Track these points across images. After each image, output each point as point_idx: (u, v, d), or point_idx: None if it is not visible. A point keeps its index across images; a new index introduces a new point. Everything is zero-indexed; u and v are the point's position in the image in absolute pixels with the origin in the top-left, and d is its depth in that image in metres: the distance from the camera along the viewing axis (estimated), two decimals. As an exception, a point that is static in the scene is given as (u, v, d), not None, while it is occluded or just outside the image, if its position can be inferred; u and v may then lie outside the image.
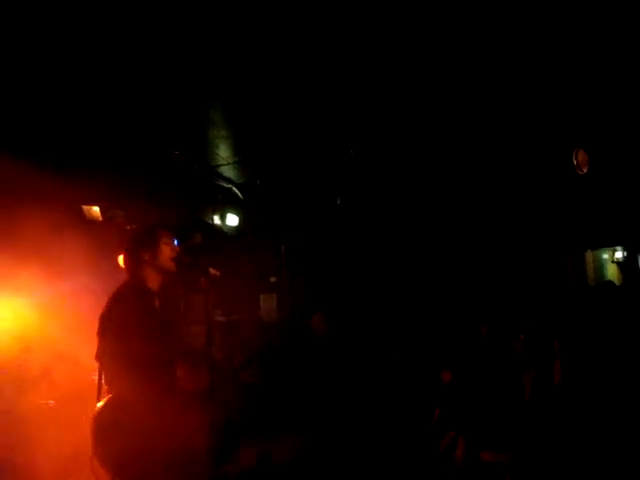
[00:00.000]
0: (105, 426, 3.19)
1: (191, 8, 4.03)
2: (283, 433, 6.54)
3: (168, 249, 3.61)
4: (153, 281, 3.51)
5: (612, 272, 10.51)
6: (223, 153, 7.09)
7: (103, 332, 3.32)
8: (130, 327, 3.22)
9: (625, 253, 10.17)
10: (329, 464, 5.94)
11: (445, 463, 5.35)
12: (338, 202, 8.31)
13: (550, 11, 4.34)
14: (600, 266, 10.68)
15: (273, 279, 9.34)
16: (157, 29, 4.26)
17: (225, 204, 8.33)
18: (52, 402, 5.31)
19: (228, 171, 7.79)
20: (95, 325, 3.38)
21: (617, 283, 9.37)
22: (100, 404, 3.27)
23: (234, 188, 8.28)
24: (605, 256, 10.67)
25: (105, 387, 3.32)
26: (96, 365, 3.38)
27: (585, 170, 6.70)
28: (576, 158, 6.69)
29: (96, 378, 3.40)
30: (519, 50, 4.98)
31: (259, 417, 6.46)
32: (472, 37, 4.71)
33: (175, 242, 3.71)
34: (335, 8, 4.16)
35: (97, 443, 3.19)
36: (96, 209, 6.25)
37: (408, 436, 6.07)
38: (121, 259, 3.63)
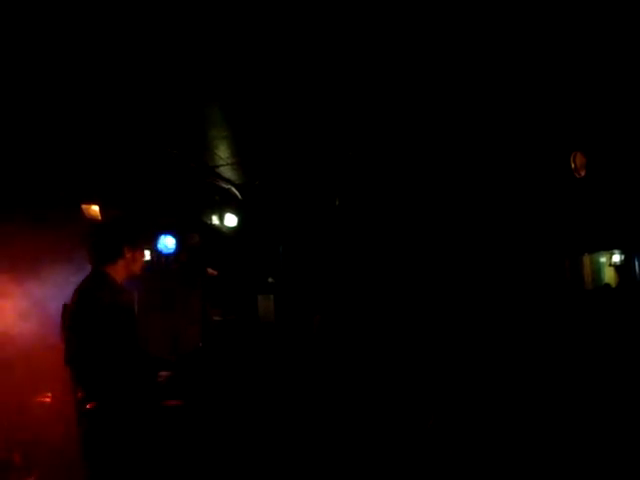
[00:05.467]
0: (97, 432, 3.07)
1: (192, 8, 4.04)
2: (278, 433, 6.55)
3: (143, 256, 3.54)
4: (122, 277, 3.38)
5: (609, 275, 10.54)
6: (222, 153, 7.09)
7: (74, 329, 3.17)
8: (108, 323, 3.08)
9: (622, 257, 10.20)
10: (325, 463, 5.94)
11: (440, 462, 5.36)
12: (336, 203, 8.31)
13: (547, 14, 4.35)
14: (597, 269, 10.72)
15: (271, 280, 9.35)
16: (158, 29, 4.27)
17: (223, 204, 8.33)
18: (48, 399, 5.33)
19: (227, 171, 7.79)
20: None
21: (614, 286, 9.41)
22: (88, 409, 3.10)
23: (233, 188, 8.29)
24: (602, 259, 10.71)
25: (80, 389, 3.15)
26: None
27: (583, 173, 6.71)
28: (574, 161, 6.70)
29: None
30: (517, 53, 4.99)
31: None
32: (470, 40, 4.72)
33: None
34: (335, 10, 4.18)
35: (88, 447, 3.12)
36: (95, 208, 6.26)
37: (404, 437, 6.08)
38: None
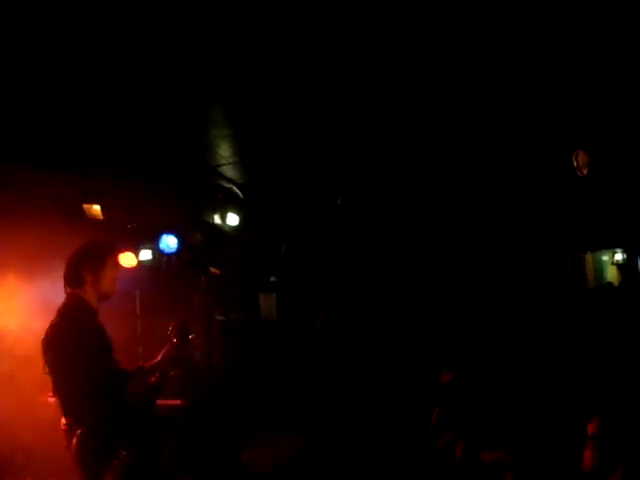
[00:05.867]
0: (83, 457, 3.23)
1: (194, 8, 4.04)
2: (280, 433, 6.55)
3: (113, 273, 3.58)
4: (93, 300, 3.47)
5: (612, 274, 10.53)
6: (224, 152, 7.09)
7: (48, 353, 3.29)
8: (78, 350, 3.18)
9: (625, 255, 10.19)
10: (327, 464, 5.95)
11: (443, 463, 5.37)
12: (338, 202, 8.31)
13: (549, 12, 4.35)
14: (600, 268, 10.72)
15: (273, 278, 9.35)
16: (159, 29, 4.26)
17: (225, 203, 8.34)
18: (51, 399, 5.32)
19: (229, 170, 7.80)
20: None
21: (616, 285, 9.40)
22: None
23: (234, 187, 8.29)
24: (605, 258, 10.70)
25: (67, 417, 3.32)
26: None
27: (585, 172, 6.69)
28: (576, 159, 6.68)
29: None
30: (519, 51, 4.98)
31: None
32: (471, 38, 4.72)
33: (120, 263, 3.66)
34: (337, 10, 4.17)
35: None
36: (97, 207, 6.25)
37: (406, 436, 6.09)
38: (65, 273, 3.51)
